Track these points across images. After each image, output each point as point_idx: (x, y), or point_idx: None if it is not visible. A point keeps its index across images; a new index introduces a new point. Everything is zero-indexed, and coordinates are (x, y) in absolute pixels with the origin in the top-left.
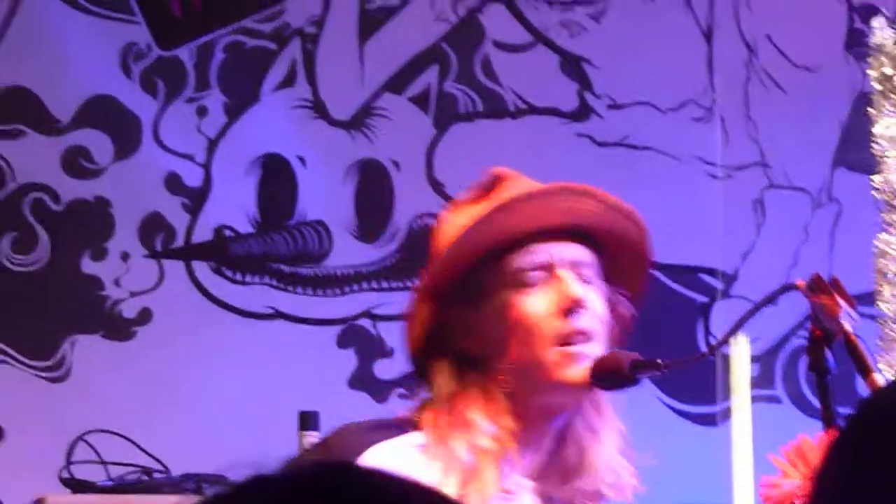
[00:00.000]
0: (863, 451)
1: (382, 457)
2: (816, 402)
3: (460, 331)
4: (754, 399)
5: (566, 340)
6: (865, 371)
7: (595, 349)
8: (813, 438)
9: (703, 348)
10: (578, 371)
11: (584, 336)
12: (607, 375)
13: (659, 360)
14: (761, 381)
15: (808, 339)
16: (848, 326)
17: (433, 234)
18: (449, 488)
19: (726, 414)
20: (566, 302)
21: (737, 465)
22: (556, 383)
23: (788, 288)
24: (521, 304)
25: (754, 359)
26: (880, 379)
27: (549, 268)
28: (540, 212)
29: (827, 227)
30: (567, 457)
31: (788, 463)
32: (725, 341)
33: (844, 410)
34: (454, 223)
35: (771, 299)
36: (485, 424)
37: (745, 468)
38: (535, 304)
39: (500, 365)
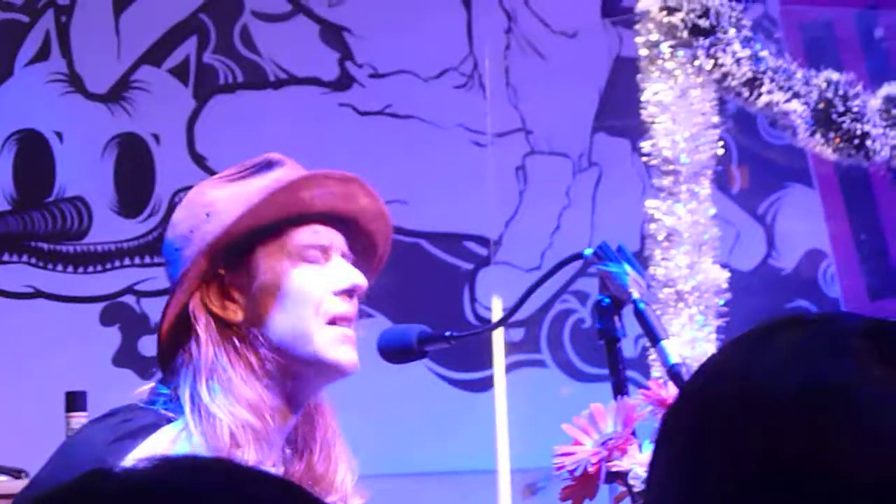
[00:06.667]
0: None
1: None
2: (581, 366)
3: (227, 299)
4: (520, 363)
5: (337, 322)
6: (655, 339)
7: (354, 333)
8: (604, 406)
9: (469, 315)
10: (349, 353)
11: (351, 322)
12: (396, 350)
13: (447, 333)
14: (526, 345)
15: (596, 307)
16: (636, 294)
17: (187, 207)
18: None
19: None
20: (345, 284)
21: (498, 428)
22: (326, 362)
23: (576, 257)
24: (299, 277)
25: (519, 324)
26: (670, 346)
27: (326, 250)
28: (333, 195)
29: (588, 191)
30: (315, 463)
31: (581, 431)
32: (513, 313)
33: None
34: (220, 196)
35: (559, 268)
36: (247, 394)
37: (504, 430)
38: (314, 280)
39: (268, 335)
